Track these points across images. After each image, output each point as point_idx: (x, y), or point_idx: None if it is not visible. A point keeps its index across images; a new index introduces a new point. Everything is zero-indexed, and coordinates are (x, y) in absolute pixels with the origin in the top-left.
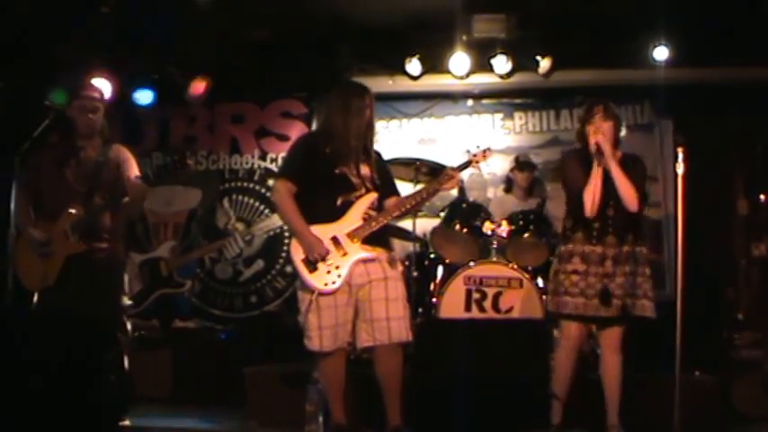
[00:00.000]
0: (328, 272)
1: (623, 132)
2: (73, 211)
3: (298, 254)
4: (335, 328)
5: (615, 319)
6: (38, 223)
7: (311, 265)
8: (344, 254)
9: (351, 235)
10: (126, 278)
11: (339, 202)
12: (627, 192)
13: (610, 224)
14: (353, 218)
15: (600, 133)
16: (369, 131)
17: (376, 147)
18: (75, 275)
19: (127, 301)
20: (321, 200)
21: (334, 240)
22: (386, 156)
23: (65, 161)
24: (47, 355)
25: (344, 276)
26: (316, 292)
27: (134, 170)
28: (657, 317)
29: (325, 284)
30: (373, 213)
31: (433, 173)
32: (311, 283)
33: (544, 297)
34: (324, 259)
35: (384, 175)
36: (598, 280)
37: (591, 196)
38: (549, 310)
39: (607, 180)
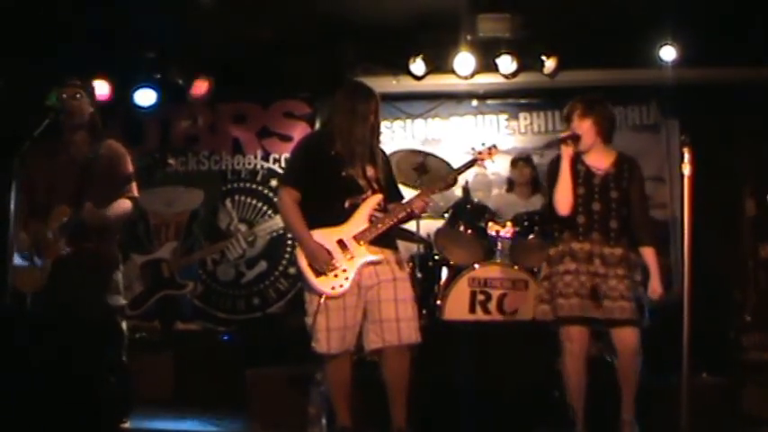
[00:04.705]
0: (335, 276)
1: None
2: (61, 211)
3: (304, 258)
4: (344, 330)
5: (623, 321)
6: (31, 224)
7: (317, 269)
8: (351, 257)
9: (357, 238)
10: (119, 277)
11: (347, 204)
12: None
13: (595, 219)
14: (360, 220)
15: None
16: (374, 136)
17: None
18: (63, 278)
19: (121, 301)
20: (328, 203)
21: (341, 243)
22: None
23: (55, 157)
24: (42, 358)
25: (352, 279)
26: (323, 295)
27: (127, 167)
28: (663, 319)
29: (332, 288)
30: (380, 215)
31: (437, 170)
32: (318, 287)
33: None
34: (330, 268)
35: (388, 179)
36: (589, 279)
37: (560, 193)
38: (541, 319)
39: (591, 175)
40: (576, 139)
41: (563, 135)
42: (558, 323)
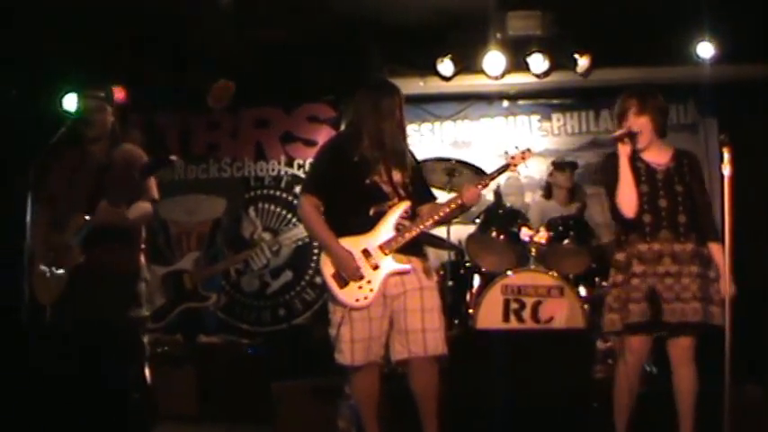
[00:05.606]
0: (360, 287)
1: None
2: (78, 219)
3: (327, 268)
4: (368, 341)
5: (695, 325)
6: (51, 235)
7: (342, 279)
8: (376, 267)
9: (383, 247)
10: (142, 289)
11: (372, 212)
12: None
13: (664, 217)
14: (386, 228)
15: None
16: (400, 133)
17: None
18: (79, 288)
19: (144, 313)
20: (352, 211)
21: (366, 253)
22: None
23: (72, 166)
24: (61, 372)
25: (377, 290)
26: (347, 306)
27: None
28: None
29: (357, 300)
30: (407, 223)
31: (468, 174)
32: (342, 298)
33: (586, 306)
34: (358, 275)
35: (418, 179)
36: (658, 281)
37: (623, 194)
38: (610, 330)
39: (653, 171)
40: (633, 136)
41: (618, 133)
42: (626, 332)
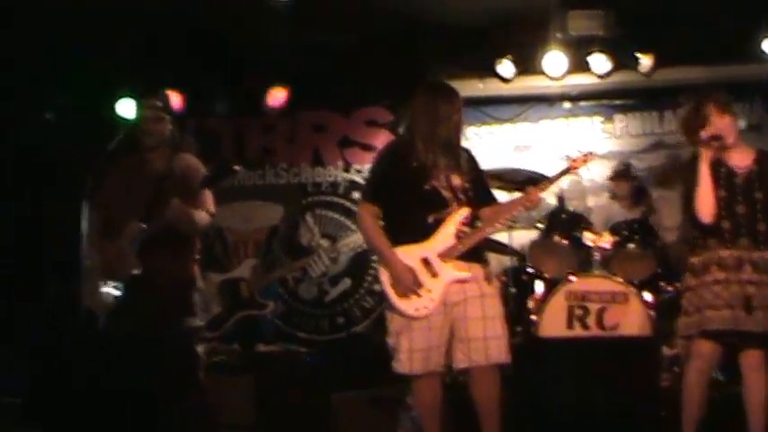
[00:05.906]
0: (419, 296)
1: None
2: (134, 228)
3: (387, 276)
4: (428, 351)
5: (761, 334)
6: (107, 242)
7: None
8: (436, 275)
9: (443, 255)
10: (196, 298)
11: (431, 219)
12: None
13: (742, 224)
14: (446, 236)
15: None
16: (457, 137)
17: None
18: (133, 298)
19: (198, 323)
20: (411, 218)
21: (426, 261)
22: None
23: (129, 174)
24: (115, 381)
25: (438, 299)
26: (406, 316)
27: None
28: None
29: (416, 309)
30: (467, 230)
31: (529, 181)
32: (401, 307)
33: (652, 312)
34: (414, 291)
35: (477, 181)
36: (740, 288)
37: (701, 199)
38: (685, 335)
39: (733, 174)
40: (720, 139)
41: (707, 135)
42: (699, 337)
